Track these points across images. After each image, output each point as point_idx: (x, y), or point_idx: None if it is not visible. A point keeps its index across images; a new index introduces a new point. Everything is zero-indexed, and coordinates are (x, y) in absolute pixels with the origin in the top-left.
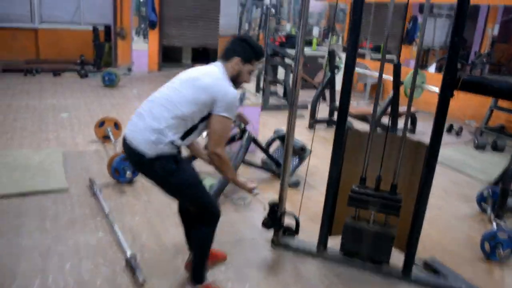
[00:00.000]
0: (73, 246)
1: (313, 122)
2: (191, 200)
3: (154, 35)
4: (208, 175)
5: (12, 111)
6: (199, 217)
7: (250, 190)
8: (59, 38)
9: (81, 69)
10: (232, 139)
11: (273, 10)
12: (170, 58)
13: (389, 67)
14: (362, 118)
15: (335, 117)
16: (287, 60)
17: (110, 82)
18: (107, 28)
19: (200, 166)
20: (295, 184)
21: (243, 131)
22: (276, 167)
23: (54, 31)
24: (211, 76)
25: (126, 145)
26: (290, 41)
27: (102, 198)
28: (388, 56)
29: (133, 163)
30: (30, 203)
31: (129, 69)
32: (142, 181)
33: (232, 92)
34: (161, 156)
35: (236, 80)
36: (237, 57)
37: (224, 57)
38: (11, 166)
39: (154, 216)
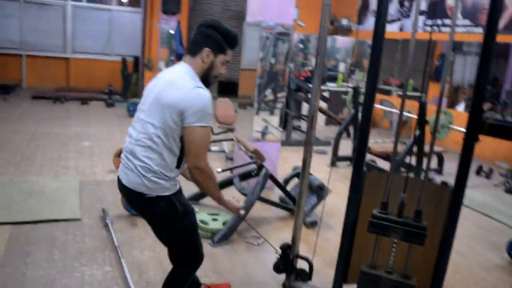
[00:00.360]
0: (78, 279)
1: (335, 159)
2: (182, 244)
3: None
4: (221, 212)
5: (36, 138)
6: (184, 261)
7: (236, 211)
8: (89, 67)
9: (109, 98)
10: (249, 175)
11: (301, 45)
12: None
13: (416, 105)
14: (386, 157)
15: None
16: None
17: (135, 112)
18: (136, 60)
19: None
20: (312, 224)
21: (260, 167)
22: (294, 205)
23: (84, 61)
24: (173, 86)
25: (122, 186)
26: None
27: (113, 230)
28: (417, 94)
29: (131, 203)
30: (41, 231)
31: None
32: None
33: (201, 98)
34: (162, 197)
35: (209, 74)
36: (206, 48)
37: (192, 51)
38: (27, 193)
39: (163, 251)
